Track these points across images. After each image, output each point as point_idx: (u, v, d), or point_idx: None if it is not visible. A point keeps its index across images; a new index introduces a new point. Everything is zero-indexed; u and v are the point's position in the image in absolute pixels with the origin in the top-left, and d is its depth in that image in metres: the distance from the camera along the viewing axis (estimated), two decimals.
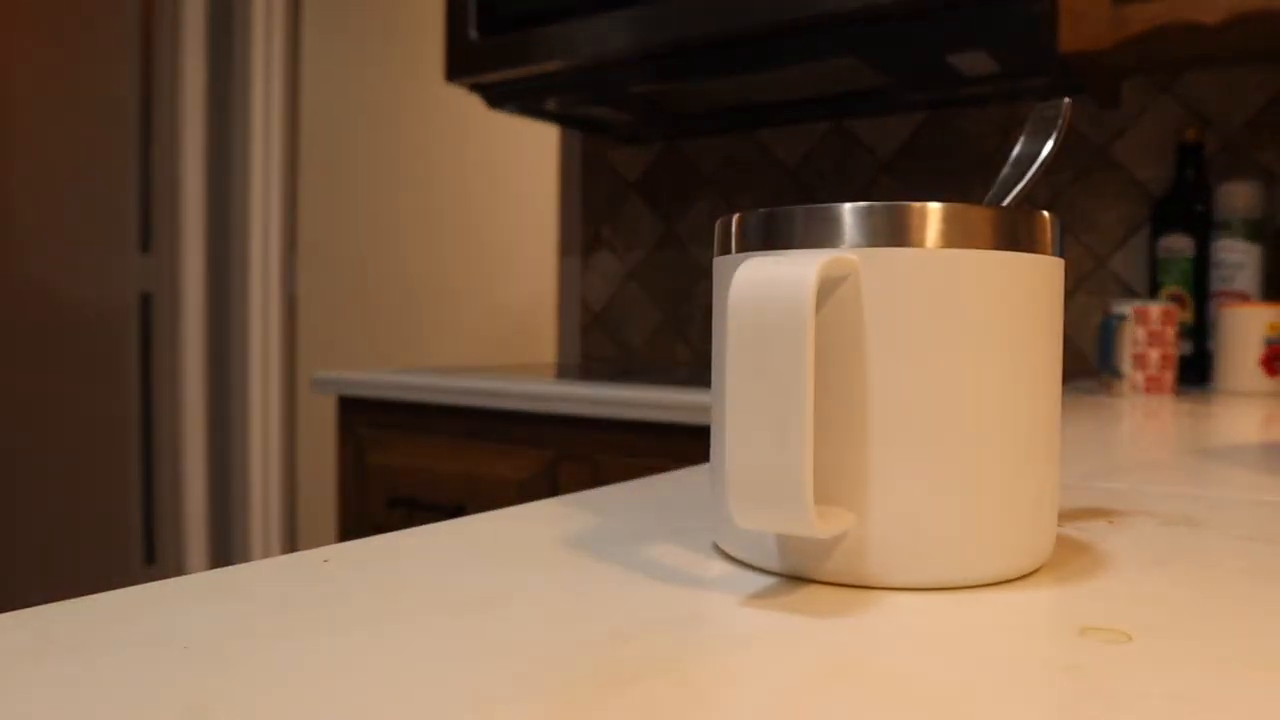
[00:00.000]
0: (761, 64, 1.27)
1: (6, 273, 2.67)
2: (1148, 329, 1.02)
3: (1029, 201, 1.34)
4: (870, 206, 0.25)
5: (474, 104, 2.11)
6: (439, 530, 0.33)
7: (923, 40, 1.17)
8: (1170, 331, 1.02)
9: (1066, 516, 0.35)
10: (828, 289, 0.25)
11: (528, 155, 2.03)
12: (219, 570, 0.27)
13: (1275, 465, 0.50)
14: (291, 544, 2.36)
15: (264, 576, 0.27)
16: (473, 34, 1.38)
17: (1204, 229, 1.20)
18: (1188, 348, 1.18)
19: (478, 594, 0.25)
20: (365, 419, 1.28)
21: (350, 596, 0.25)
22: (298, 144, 2.34)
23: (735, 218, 0.29)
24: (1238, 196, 1.15)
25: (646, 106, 1.50)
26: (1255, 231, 1.15)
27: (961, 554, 0.26)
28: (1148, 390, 1.02)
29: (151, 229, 2.38)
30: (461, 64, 1.40)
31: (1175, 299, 1.19)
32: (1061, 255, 0.28)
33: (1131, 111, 1.33)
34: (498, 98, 1.48)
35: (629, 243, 1.77)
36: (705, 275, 1.69)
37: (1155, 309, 1.02)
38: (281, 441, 2.34)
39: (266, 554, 2.31)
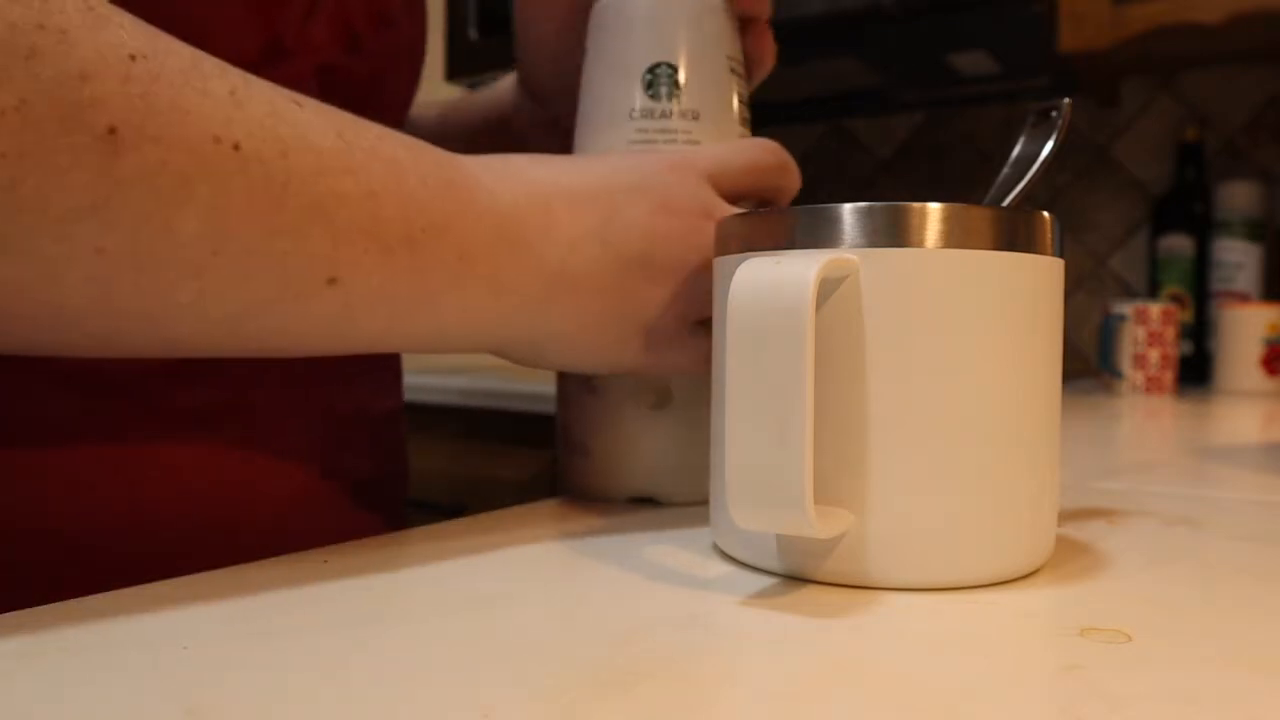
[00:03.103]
0: None
1: None
2: (1148, 329, 1.02)
3: (1029, 201, 1.34)
4: (870, 206, 0.25)
5: None
6: (439, 530, 0.33)
7: (923, 40, 1.17)
8: (1170, 331, 1.02)
9: (1066, 516, 0.35)
10: (828, 289, 0.25)
11: None
12: (219, 570, 0.27)
13: (1275, 465, 0.50)
14: None
15: (264, 576, 0.27)
16: (473, 34, 1.38)
17: (1204, 229, 1.20)
18: (1188, 348, 1.18)
19: (477, 594, 0.25)
20: None
21: (350, 596, 0.25)
22: None
23: (735, 218, 0.29)
24: (1238, 196, 1.15)
25: None
26: (1255, 231, 1.15)
27: (961, 554, 0.26)
28: (1148, 390, 1.02)
29: None
30: (461, 64, 1.40)
31: (1175, 299, 1.19)
32: (1061, 255, 0.28)
33: (1131, 111, 1.33)
34: None
35: None
36: None
37: (1155, 309, 1.02)
38: None
39: None
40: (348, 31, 0.39)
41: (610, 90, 0.39)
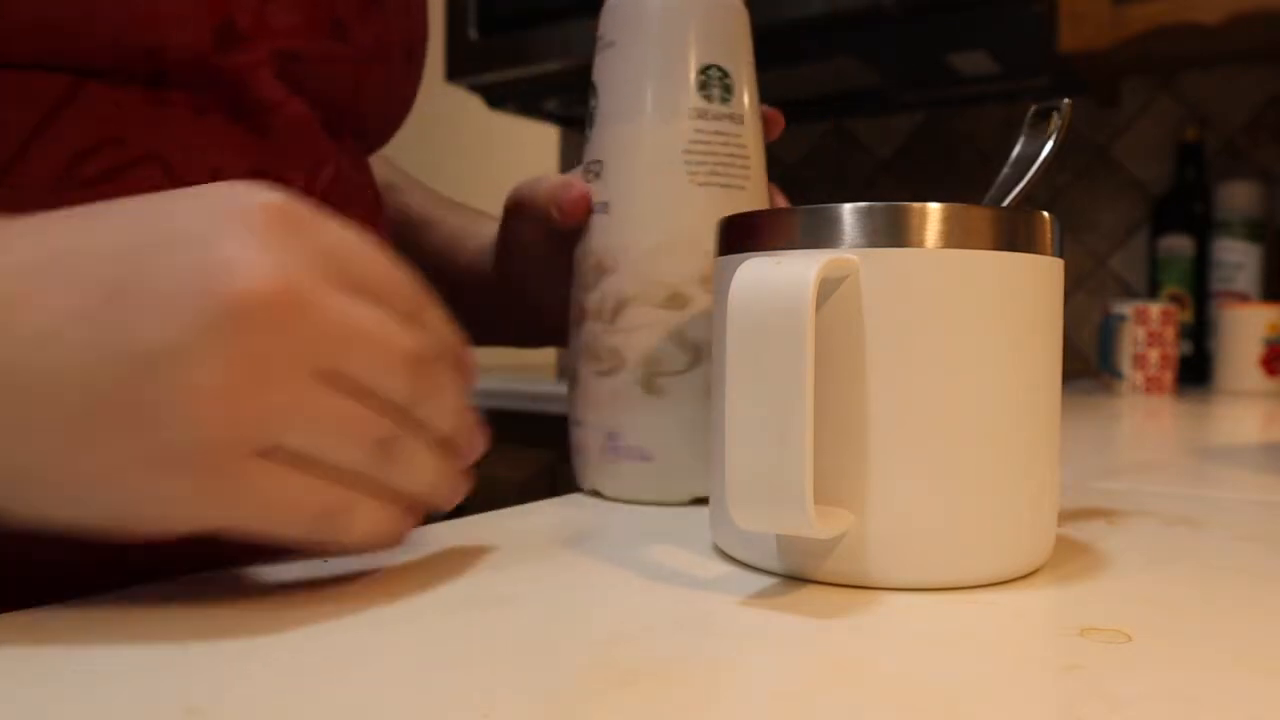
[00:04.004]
0: (762, 64, 1.26)
1: None
2: (1148, 329, 1.02)
3: (1029, 201, 1.34)
4: (870, 206, 0.25)
5: (474, 104, 2.11)
6: (438, 530, 0.33)
7: (923, 40, 1.17)
8: (1170, 331, 1.02)
9: (1066, 516, 0.35)
10: (828, 289, 0.25)
11: (528, 155, 2.04)
12: (219, 570, 0.27)
13: (1275, 465, 0.50)
14: None
15: (264, 576, 0.27)
16: (473, 34, 1.38)
17: (1204, 229, 1.20)
18: (1188, 348, 1.18)
19: (477, 594, 0.25)
20: None
21: (350, 596, 0.25)
22: None
23: (735, 218, 0.29)
24: (1238, 196, 1.15)
25: None
26: (1255, 231, 1.15)
27: (961, 554, 0.26)
28: (1148, 390, 1.02)
29: None
30: (461, 64, 1.40)
31: (1175, 299, 1.19)
32: (1061, 255, 0.28)
33: (1131, 111, 1.33)
34: (498, 98, 1.48)
35: None
36: None
37: (1155, 309, 1.02)
38: None
39: None
40: (328, 16, 0.36)
41: (658, 87, 0.37)
